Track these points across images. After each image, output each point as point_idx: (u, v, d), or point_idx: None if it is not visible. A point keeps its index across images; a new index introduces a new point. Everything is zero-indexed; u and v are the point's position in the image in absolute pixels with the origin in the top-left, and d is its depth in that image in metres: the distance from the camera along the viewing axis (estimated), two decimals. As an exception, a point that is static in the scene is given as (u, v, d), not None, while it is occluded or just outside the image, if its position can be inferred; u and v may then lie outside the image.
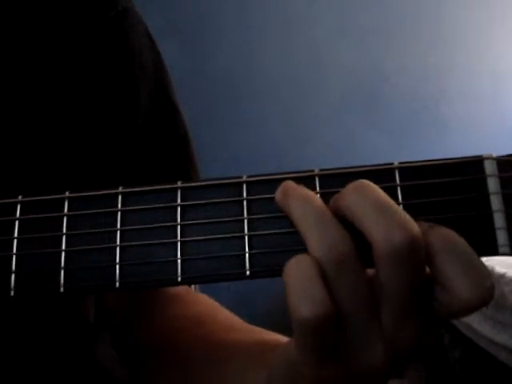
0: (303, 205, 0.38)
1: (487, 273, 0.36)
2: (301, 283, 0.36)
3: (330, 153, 2.31)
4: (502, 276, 1.67)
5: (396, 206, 0.37)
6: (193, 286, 0.69)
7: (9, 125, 0.58)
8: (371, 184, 0.38)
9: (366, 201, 0.37)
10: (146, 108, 0.66)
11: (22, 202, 0.44)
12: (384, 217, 0.36)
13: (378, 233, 0.36)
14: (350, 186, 0.38)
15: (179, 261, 0.40)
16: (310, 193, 0.39)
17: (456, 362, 1.94)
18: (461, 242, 0.37)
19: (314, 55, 2.38)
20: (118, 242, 0.42)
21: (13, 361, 0.58)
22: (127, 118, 0.64)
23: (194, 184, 0.42)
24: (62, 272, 0.42)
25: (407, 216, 0.36)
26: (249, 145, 2.27)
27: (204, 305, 0.64)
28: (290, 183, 0.40)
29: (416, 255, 0.36)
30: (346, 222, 0.38)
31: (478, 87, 2.49)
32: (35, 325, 0.59)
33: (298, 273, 0.37)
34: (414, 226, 0.36)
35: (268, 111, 2.32)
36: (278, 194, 0.40)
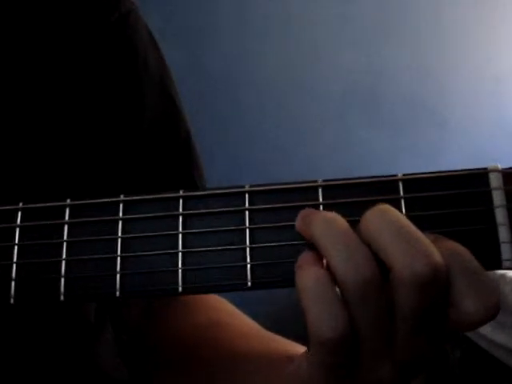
0: (327, 227, 0.37)
1: (494, 287, 0.36)
2: (322, 304, 0.36)
3: (329, 152, 2.30)
4: (502, 276, 1.67)
5: (417, 232, 0.36)
6: None
7: (11, 129, 0.58)
8: (392, 208, 0.37)
9: (388, 226, 0.36)
10: (151, 110, 0.65)
11: (22, 209, 0.43)
12: (406, 244, 0.36)
13: (400, 260, 0.35)
14: (371, 211, 0.37)
15: (180, 270, 0.40)
16: (333, 214, 0.38)
17: (456, 362, 1.94)
18: (468, 256, 0.36)
19: (314, 55, 2.37)
20: (119, 251, 0.41)
21: (13, 361, 0.58)
22: (132, 120, 0.64)
23: (196, 193, 0.42)
24: (63, 280, 0.42)
25: (429, 243, 0.36)
26: (248, 144, 2.27)
27: (219, 310, 0.64)
28: (309, 209, 0.39)
29: (437, 283, 0.36)
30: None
31: (477, 87, 2.49)
32: (36, 325, 0.59)
33: (318, 292, 0.36)
34: (436, 254, 0.36)
35: (268, 111, 2.31)
36: (298, 222, 0.39)
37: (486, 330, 1.74)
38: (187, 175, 0.66)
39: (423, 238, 0.36)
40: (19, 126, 0.58)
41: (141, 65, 0.65)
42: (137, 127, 0.64)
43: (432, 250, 0.36)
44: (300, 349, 0.47)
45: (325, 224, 0.38)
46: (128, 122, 0.64)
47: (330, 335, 0.36)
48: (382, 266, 0.37)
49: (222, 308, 0.64)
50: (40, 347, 0.60)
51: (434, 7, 2.48)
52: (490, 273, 0.36)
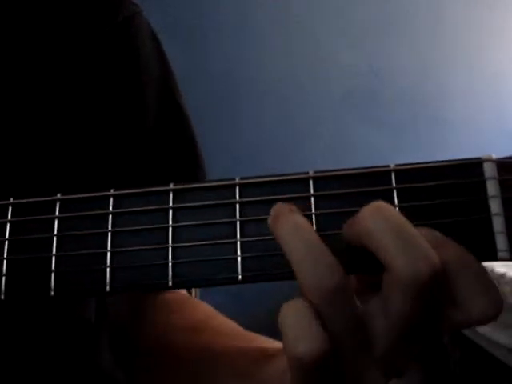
0: (292, 235, 0.36)
1: (496, 288, 0.35)
2: (296, 322, 0.35)
3: (329, 152, 2.30)
4: (502, 276, 1.67)
5: (416, 231, 0.35)
6: (193, 290, 0.69)
7: (14, 129, 0.58)
8: (389, 207, 0.36)
9: (387, 227, 0.35)
10: (154, 112, 0.66)
11: (13, 204, 0.43)
12: (408, 246, 0.35)
13: (401, 262, 0.34)
14: (368, 210, 0.36)
15: (170, 264, 0.39)
16: (299, 220, 0.37)
17: (456, 362, 1.94)
18: (472, 259, 0.36)
19: (314, 55, 2.37)
20: (109, 245, 0.41)
21: (13, 361, 0.58)
22: (134, 121, 0.64)
23: (186, 186, 0.41)
24: (53, 275, 0.41)
25: (428, 244, 0.35)
26: (248, 145, 2.27)
27: (200, 312, 0.64)
28: (282, 207, 0.38)
29: (437, 286, 0.35)
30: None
31: (477, 87, 2.48)
32: (36, 325, 0.59)
33: (293, 312, 0.36)
34: (436, 256, 0.35)
35: (268, 111, 2.31)
36: (269, 218, 0.38)
37: (486, 329, 1.74)
38: (192, 178, 0.66)
39: (423, 240, 0.35)
40: (23, 126, 0.59)
41: (143, 67, 0.66)
42: (139, 128, 0.64)
43: (432, 252, 0.35)
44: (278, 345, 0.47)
45: (289, 229, 0.37)
46: (130, 123, 0.64)
47: (305, 351, 0.35)
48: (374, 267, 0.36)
49: (201, 309, 0.64)
50: (40, 347, 0.60)
51: (433, 7, 2.48)
52: (489, 273, 0.36)
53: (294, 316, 0.36)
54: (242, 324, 0.60)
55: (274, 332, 0.52)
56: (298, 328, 0.35)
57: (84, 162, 0.61)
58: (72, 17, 0.63)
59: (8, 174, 0.57)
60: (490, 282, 0.36)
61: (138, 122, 0.64)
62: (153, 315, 0.64)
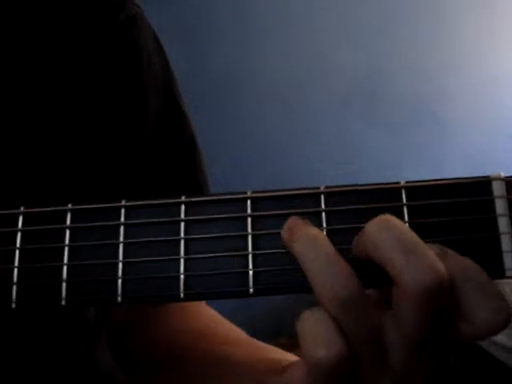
0: (309, 246, 0.37)
1: (505, 300, 0.36)
2: (315, 328, 0.36)
3: (329, 152, 2.30)
4: (502, 276, 1.67)
5: (423, 243, 0.36)
6: None
7: (14, 132, 0.58)
8: (395, 219, 0.37)
9: (393, 238, 0.36)
10: (155, 113, 0.66)
11: (24, 213, 0.43)
12: (414, 257, 0.35)
13: (408, 274, 0.35)
14: (374, 223, 0.37)
15: (182, 277, 0.40)
16: (315, 233, 0.38)
17: (456, 362, 1.94)
18: (479, 271, 0.36)
19: (314, 55, 2.37)
20: (121, 256, 0.41)
21: (13, 362, 0.58)
22: (135, 123, 0.64)
23: (198, 199, 0.41)
24: (64, 285, 0.41)
25: (435, 256, 0.36)
26: (248, 145, 2.27)
27: (205, 318, 0.64)
28: (296, 220, 0.39)
29: (444, 296, 0.35)
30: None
31: (477, 87, 2.49)
32: (35, 326, 0.59)
33: (312, 319, 0.36)
34: (442, 266, 0.35)
35: (268, 111, 2.31)
36: (283, 232, 0.39)
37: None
38: (192, 180, 0.66)
39: (429, 251, 0.36)
40: (23, 129, 0.58)
41: (145, 68, 0.65)
42: (140, 130, 0.64)
43: (438, 263, 0.35)
44: (288, 357, 0.48)
45: (306, 242, 0.37)
46: (131, 126, 0.64)
47: (323, 356, 0.35)
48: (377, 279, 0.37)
49: (207, 315, 0.65)
50: (40, 348, 0.60)
51: (434, 7, 2.48)
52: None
53: (313, 322, 0.36)
54: (243, 325, 0.61)
55: (275, 334, 0.52)
56: (317, 333, 0.36)
57: (86, 162, 0.61)
58: (73, 16, 0.62)
59: (10, 178, 0.57)
60: (496, 292, 0.36)
61: (140, 122, 0.64)
62: (155, 317, 0.64)
